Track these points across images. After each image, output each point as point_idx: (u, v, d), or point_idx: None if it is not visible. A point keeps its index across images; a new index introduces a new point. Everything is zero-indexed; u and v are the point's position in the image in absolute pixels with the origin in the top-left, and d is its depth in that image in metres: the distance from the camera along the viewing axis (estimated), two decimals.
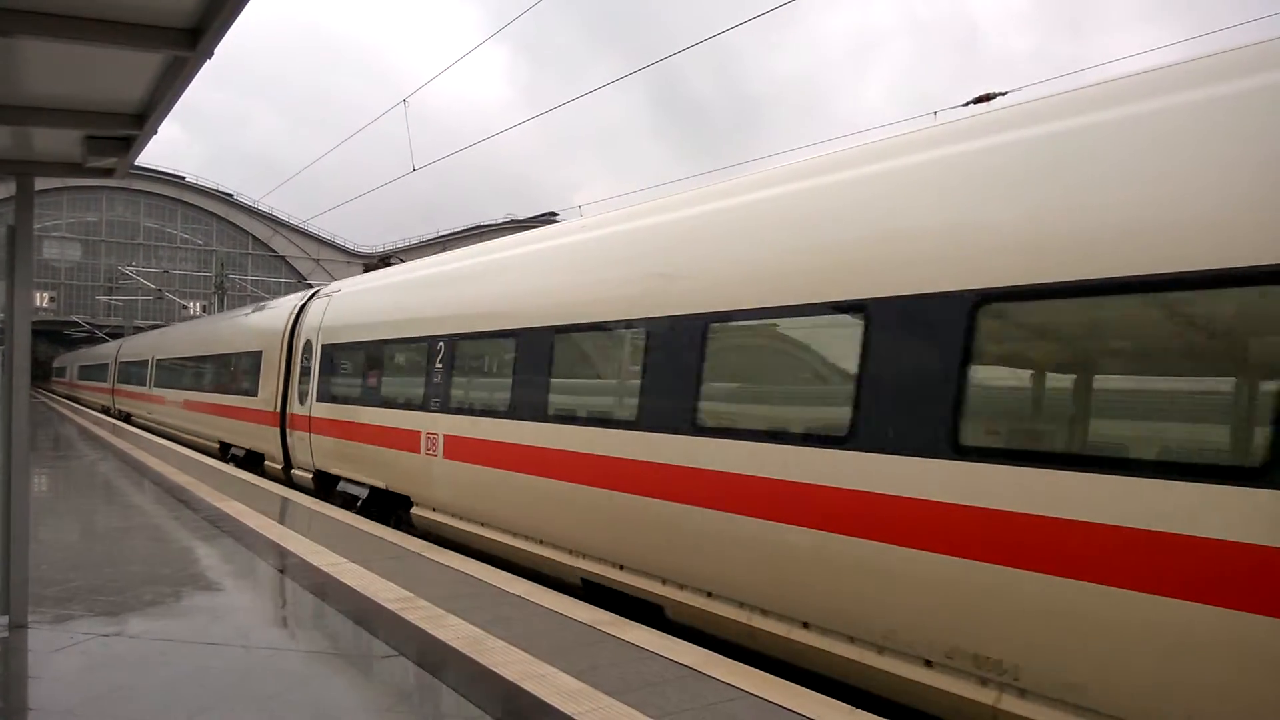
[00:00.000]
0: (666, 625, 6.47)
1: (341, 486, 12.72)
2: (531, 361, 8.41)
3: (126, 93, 5.18)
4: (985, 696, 4.49)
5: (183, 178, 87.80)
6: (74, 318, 66.39)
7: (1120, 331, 4.59)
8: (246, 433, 17.47)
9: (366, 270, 16.05)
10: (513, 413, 8.60)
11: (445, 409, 9.89)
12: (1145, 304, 4.24)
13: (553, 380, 8.16)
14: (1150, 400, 4.51)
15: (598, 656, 5.34)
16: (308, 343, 14.32)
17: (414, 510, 10.64)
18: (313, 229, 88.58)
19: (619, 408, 7.39)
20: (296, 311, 15.48)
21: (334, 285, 15.30)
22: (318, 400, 13.66)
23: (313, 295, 15.68)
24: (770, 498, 5.71)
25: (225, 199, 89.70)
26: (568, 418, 7.92)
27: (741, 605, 6.01)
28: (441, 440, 9.89)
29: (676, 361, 6.62)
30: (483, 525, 9.17)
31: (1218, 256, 3.84)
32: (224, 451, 19.31)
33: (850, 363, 5.40)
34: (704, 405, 6.43)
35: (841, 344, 5.62)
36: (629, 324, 7.29)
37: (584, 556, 7.58)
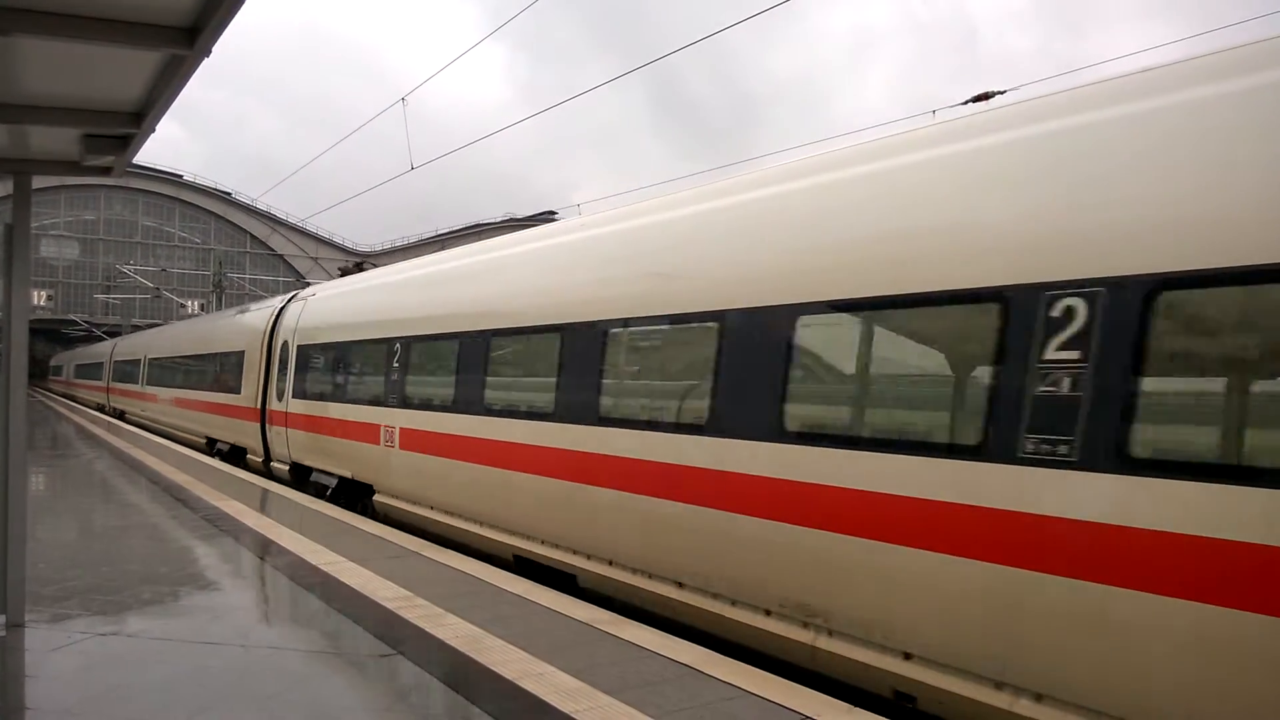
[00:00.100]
0: (579, 592, 7.24)
1: (314, 477, 13.60)
2: (470, 361, 9.39)
3: (124, 91, 5.17)
4: (805, 637, 5.39)
5: (181, 176, 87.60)
6: (72, 316, 66.28)
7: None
8: (230, 428, 18.26)
9: (343, 275, 16.67)
10: (454, 407, 9.56)
11: (400, 404, 10.84)
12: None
13: (487, 378, 9.11)
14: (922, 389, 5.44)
15: (596, 655, 5.35)
16: (285, 343, 15.14)
17: (375, 497, 11.53)
18: (311, 228, 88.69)
19: (540, 402, 8.19)
20: (276, 313, 16.26)
21: (310, 289, 16.32)
22: (293, 397, 14.48)
23: (291, 298, 16.53)
24: (651, 478, 6.61)
25: (223, 198, 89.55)
26: (498, 411, 8.82)
27: (635, 571, 6.83)
28: (397, 433, 10.82)
29: (586, 361, 7.52)
30: (432, 509, 10.02)
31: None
32: (210, 446, 20.05)
33: (707, 366, 6.25)
34: (605, 400, 7.29)
35: (700, 350, 6.46)
36: (545, 329, 8.18)
37: (514, 534, 8.42)
